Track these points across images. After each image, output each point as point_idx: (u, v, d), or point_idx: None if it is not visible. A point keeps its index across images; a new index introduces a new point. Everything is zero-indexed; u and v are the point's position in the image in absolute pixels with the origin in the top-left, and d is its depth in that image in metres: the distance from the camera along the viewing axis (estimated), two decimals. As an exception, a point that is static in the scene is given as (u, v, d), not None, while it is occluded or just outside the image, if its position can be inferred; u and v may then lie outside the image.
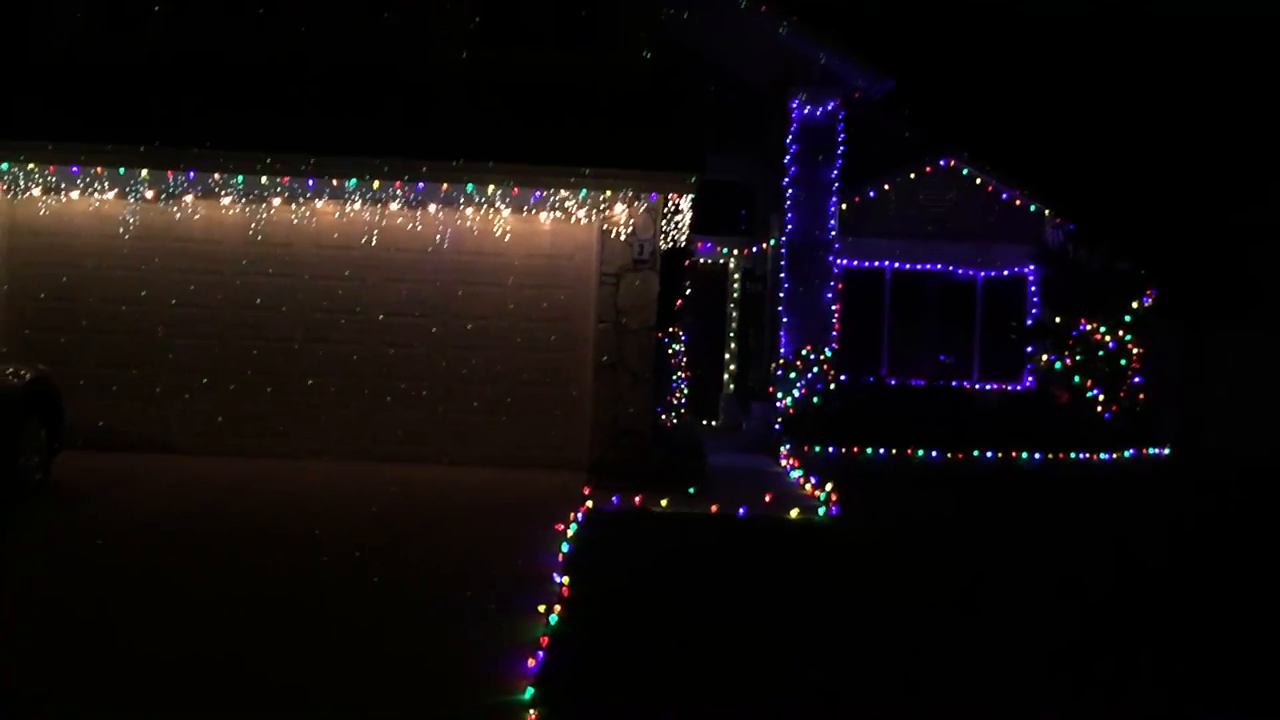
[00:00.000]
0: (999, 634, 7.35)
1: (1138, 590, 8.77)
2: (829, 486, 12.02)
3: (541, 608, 7.11)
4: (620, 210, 12.93)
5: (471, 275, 13.27)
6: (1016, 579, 8.98)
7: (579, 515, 10.16)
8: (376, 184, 12.60)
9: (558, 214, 13.06)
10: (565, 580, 7.79)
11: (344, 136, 12.61)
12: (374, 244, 13.13)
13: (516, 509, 10.64)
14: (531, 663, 6.22)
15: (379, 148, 12.47)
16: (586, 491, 11.25)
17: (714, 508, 11.22)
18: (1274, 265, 18.68)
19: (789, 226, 18.59)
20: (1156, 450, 17.77)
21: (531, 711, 5.55)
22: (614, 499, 11.12)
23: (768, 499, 11.82)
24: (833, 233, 18.68)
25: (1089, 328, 18.35)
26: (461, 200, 12.95)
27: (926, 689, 6.21)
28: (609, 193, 12.76)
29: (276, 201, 13.05)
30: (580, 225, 13.16)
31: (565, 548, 8.85)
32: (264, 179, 12.61)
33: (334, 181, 12.61)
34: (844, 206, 19.03)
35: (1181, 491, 14.76)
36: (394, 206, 13.06)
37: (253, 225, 13.09)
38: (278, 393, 13.12)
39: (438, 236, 13.15)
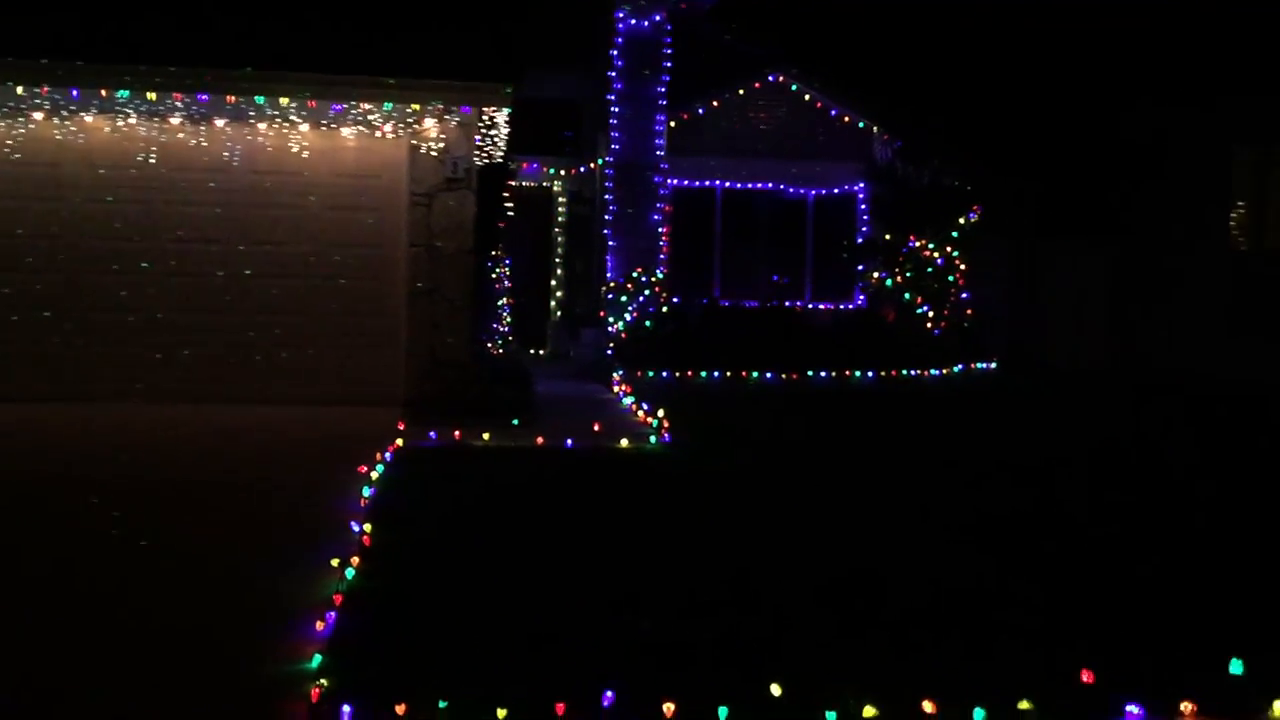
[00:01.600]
0: (838, 566, 6.90)
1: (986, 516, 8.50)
2: (661, 413, 11.47)
3: (336, 561, 6.31)
4: (431, 125, 11.95)
5: (269, 197, 12.13)
6: (856, 501, 8.58)
7: (387, 455, 9.32)
8: (152, 95, 11.25)
9: (362, 129, 12.01)
10: (367, 529, 6.99)
11: (113, 41, 11.19)
12: (155, 163, 11.83)
13: (322, 450, 9.74)
14: (321, 626, 5.45)
15: (153, 54, 11.12)
16: (400, 427, 10.41)
17: (539, 440, 10.53)
18: (1092, 182, 18.93)
19: (615, 145, 17.85)
20: (984, 364, 17.89)
21: (316, 684, 4.79)
22: (430, 434, 10.31)
23: (597, 428, 11.20)
24: (661, 151, 18.03)
25: (918, 244, 18.27)
26: (253, 114, 11.76)
27: (762, 639, 5.67)
28: (417, 106, 11.75)
29: (38, 116, 11.59)
30: (388, 141, 12.13)
31: (368, 492, 8.02)
32: (19, 89, 11.11)
33: (102, 93, 11.21)
34: (672, 124, 18.38)
35: (1005, 403, 14.78)
36: (176, 121, 11.76)
37: (9, 143, 11.60)
38: (53, 330, 11.77)
39: (227, 154, 11.94)
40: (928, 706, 4.71)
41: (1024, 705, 4.72)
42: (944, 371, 17.15)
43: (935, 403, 14.72)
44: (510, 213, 16.07)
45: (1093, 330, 18.99)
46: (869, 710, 4.71)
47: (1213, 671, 4.98)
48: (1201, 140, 18.25)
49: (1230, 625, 5.68)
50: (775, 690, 4.79)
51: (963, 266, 18.39)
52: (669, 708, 4.68)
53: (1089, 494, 9.01)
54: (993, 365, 17.98)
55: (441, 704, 4.66)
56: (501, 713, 4.65)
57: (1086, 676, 4.87)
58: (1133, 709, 4.69)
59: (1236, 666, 4.94)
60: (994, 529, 7.74)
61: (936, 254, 18.23)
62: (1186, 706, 4.71)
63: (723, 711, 4.69)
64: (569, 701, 4.71)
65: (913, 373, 16.83)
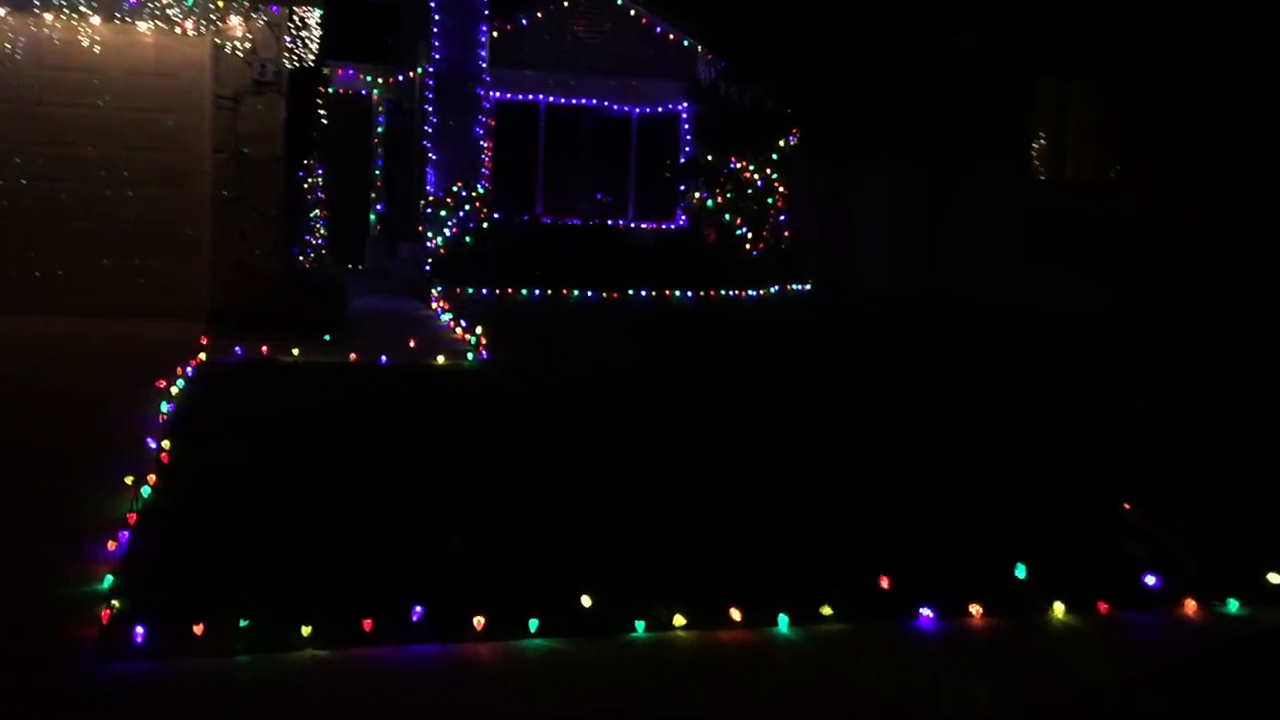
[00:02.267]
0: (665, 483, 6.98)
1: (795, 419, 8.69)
2: (479, 330, 11.31)
3: (130, 479, 6.00)
4: (236, 22, 11.29)
5: (56, 95, 11.26)
6: (673, 420, 8.67)
7: (188, 369, 8.91)
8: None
9: (161, 24, 11.25)
10: (165, 445, 6.67)
11: None
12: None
13: (117, 365, 9.23)
14: (113, 546, 5.19)
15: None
16: (203, 342, 9.94)
17: (352, 356, 10.24)
18: (906, 108, 19.40)
19: (436, 55, 17.31)
20: (800, 285, 18.30)
21: (107, 606, 4.57)
22: (236, 349, 9.90)
23: (413, 344, 10.96)
24: (483, 63, 17.58)
25: (739, 166, 18.43)
26: (38, 3, 10.86)
27: (576, 556, 5.69)
28: (221, 1, 11.07)
29: None
30: (190, 39, 11.41)
31: (167, 407, 7.66)
32: None
33: None
34: (495, 35, 17.92)
35: (813, 323, 15.12)
36: (-54, 7, 10.78)
37: None
38: None
39: (9, 46, 11.01)
40: (735, 614, 4.82)
41: (826, 610, 4.88)
42: (761, 292, 17.46)
43: (750, 323, 14.96)
44: (325, 121, 15.40)
45: (902, 254, 19.60)
46: (678, 619, 4.79)
47: (999, 577, 5.24)
48: (1009, 70, 18.89)
49: (1010, 535, 5.98)
50: (586, 602, 4.82)
51: (782, 189, 18.67)
52: (479, 621, 4.65)
53: (889, 411, 9.32)
54: (808, 287, 18.40)
55: (242, 623, 4.51)
56: (306, 630, 4.54)
57: (884, 583, 5.07)
58: (926, 611, 4.91)
59: (1020, 571, 5.23)
60: (800, 446, 7.95)
61: (756, 176, 18.45)
62: (975, 608, 4.96)
63: (533, 623, 4.69)
64: (376, 617, 4.63)
65: (731, 293, 17.08)
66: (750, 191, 18.40)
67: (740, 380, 10.38)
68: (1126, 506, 5.84)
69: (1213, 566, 5.33)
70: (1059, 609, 5.02)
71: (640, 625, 4.75)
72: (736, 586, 5.03)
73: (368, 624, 4.61)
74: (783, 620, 4.81)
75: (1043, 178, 20.37)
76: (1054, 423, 8.78)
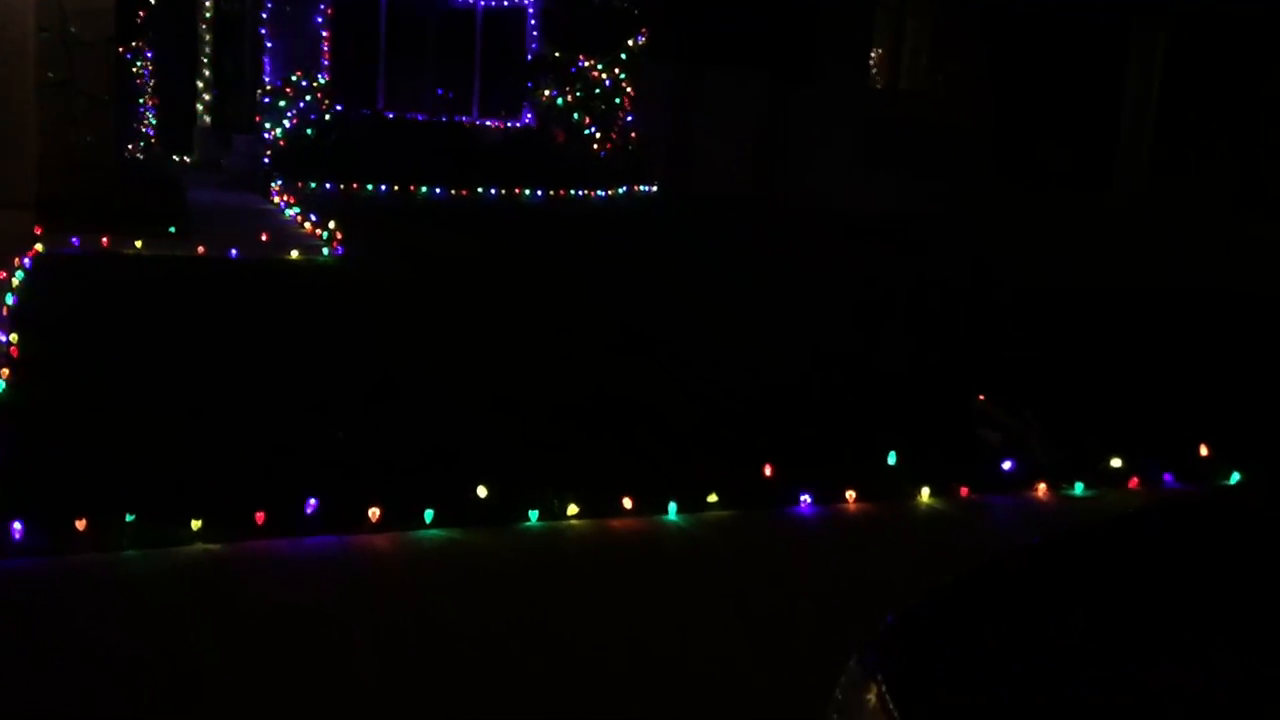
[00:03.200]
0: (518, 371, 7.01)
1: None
2: (331, 225, 11.01)
3: (-17, 374, 5.71)
4: (59, -112, 10.48)
5: None
6: (530, 314, 8.68)
7: (26, 261, 8.44)
8: None
9: (-27, -115, 10.36)
10: (13, 339, 6.34)
11: None
12: None
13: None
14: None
15: None
16: (38, 232, 9.40)
17: (200, 249, 9.85)
18: (750, 12, 19.47)
19: (271, -66, 16.44)
20: (646, 187, 18.36)
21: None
22: (73, 241, 9.40)
23: (264, 238, 10.61)
24: (323, -54, 16.79)
25: (587, 64, 18.24)
26: None
27: (461, 449, 5.71)
28: None
29: None
30: (6, -97, 10.55)
31: (11, 300, 7.26)
32: None
33: None
34: (334, -84, 17.11)
35: (657, 224, 15.22)
36: None
37: None
38: None
39: None
40: (626, 503, 4.95)
41: (712, 498, 5.06)
42: (609, 193, 17.46)
43: (596, 224, 14.93)
44: (151, 1, 14.52)
45: (745, 159, 19.85)
46: (572, 508, 4.90)
47: (872, 464, 5.51)
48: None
49: (879, 427, 6.28)
50: (481, 492, 4.87)
51: (630, 90, 18.59)
52: (374, 513, 4.66)
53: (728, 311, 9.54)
54: (654, 189, 18.48)
55: (129, 518, 4.40)
56: (196, 523, 4.46)
57: (768, 471, 5.28)
58: (805, 497, 5.15)
59: (892, 458, 5.52)
60: (661, 340, 8.09)
61: (605, 75, 18.29)
62: (850, 493, 5.23)
63: (429, 514, 4.72)
64: (269, 510, 4.58)
65: (580, 194, 17.03)
66: (599, 91, 18.25)
67: (579, 276, 10.42)
68: (980, 398, 6.19)
69: (1060, 452, 5.72)
70: (925, 493, 5.33)
71: (534, 515, 4.83)
72: (627, 476, 5.15)
73: (260, 517, 4.56)
74: (672, 508, 4.97)
75: (880, 87, 20.88)
76: (896, 322, 9.16)
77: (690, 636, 3.94)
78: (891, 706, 2.08)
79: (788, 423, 6.19)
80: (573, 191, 16.96)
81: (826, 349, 8.03)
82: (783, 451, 5.46)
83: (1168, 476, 5.71)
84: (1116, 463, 5.65)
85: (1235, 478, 5.76)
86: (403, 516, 4.69)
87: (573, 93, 18.13)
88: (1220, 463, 5.81)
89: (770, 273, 11.32)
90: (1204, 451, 5.87)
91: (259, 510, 4.56)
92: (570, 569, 4.50)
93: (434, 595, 4.21)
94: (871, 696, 2.13)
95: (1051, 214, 16.88)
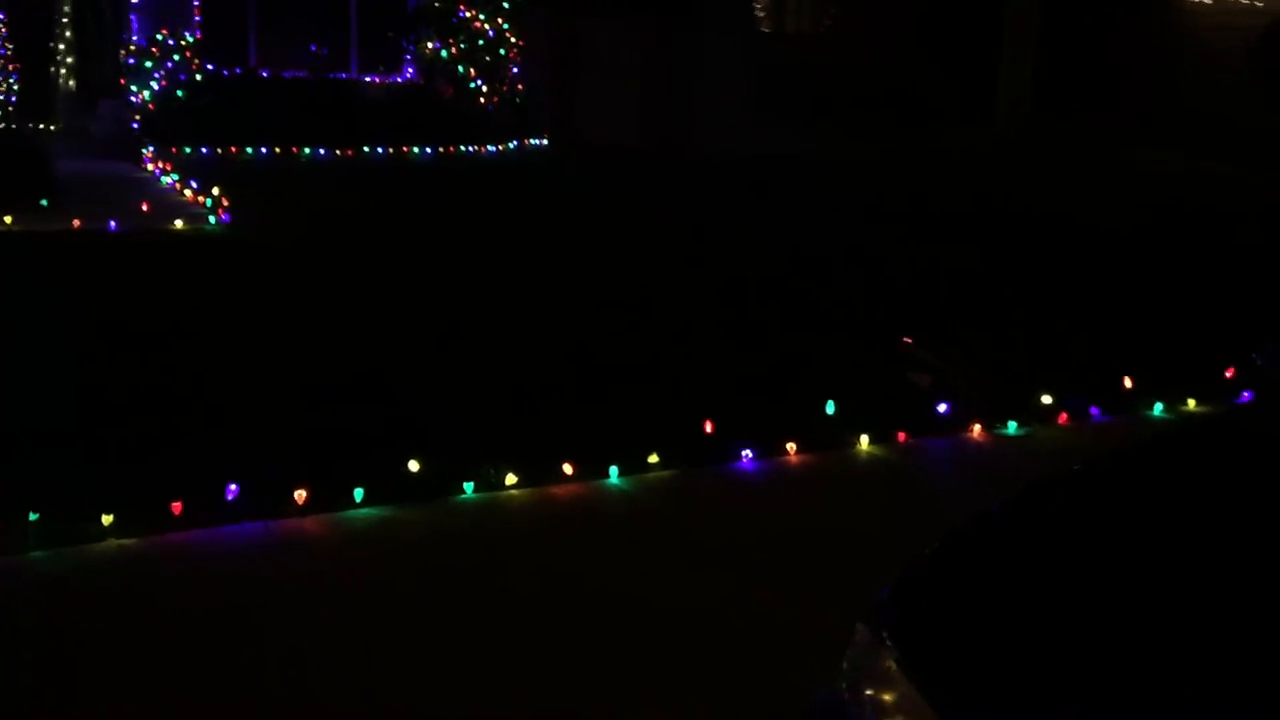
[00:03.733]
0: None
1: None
2: (215, 191, 10.48)
3: None
4: None
5: None
6: (435, 273, 8.37)
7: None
8: None
9: None
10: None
11: None
12: None
13: None
14: None
15: None
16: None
17: (76, 222, 9.28)
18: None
19: (125, -116, 15.52)
20: (537, 140, 18.00)
21: None
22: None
23: (145, 208, 10.06)
24: (181, -104, 15.92)
25: (469, 15, 17.72)
26: None
27: (386, 420, 5.44)
28: None
29: None
30: None
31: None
32: None
33: None
34: None
35: (559, 175, 14.93)
36: None
37: None
38: None
39: None
40: (567, 469, 4.77)
41: (653, 459, 4.91)
42: (500, 148, 17.06)
43: (486, 180, 14.54)
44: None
45: (634, 109, 19.60)
46: (510, 478, 4.70)
47: (811, 415, 5.42)
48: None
49: (816, 376, 6.19)
50: (414, 466, 4.64)
51: (515, 40, 18.14)
52: (300, 494, 4.40)
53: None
54: (545, 142, 18.14)
55: (32, 516, 4.07)
56: (107, 518, 4.15)
57: (708, 427, 5.15)
58: (747, 452, 5.04)
59: (830, 407, 5.43)
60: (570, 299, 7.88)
61: (488, 26, 17.80)
62: (790, 446, 5.13)
63: (358, 492, 4.48)
64: (185, 499, 4.29)
65: (469, 149, 16.59)
66: (482, 43, 17.76)
67: (490, 235, 10.13)
68: (905, 340, 6.15)
69: (990, 392, 5.71)
70: (864, 441, 5.27)
71: (469, 487, 4.63)
72: (565, 441, 4.96)
73: (177, 507, 4.27)
74: (614, 471, 4.81)
75: (767, 30, 20.77)
76: (806, 269, 9.09)
77: (640, 592, 3.79)
78: (911, 674, 1.98)
79: (718, 377, 6.06)
80: (462, 147, 16.51)
81: (746, 300, 7.92)
82: (721, 407, 5.33)
83: (1094, 410, 5.75)
84: (1047, 399, 5.67)
85: (1158, 408, 5.84)
86: (331, 497, 4.45)
87: (456, 45, 17.61)
88: (1143, 394, 5.88)
89: (667, 222, 11.15)
90: (1127, 384, 5.92)
91: (175, 500, 4.27)
92: (508, 539, 4.30)
93: (367, 579, 3.98)
94: (891, 664, 2.02)
95: (941, 151, 17.06)
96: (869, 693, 2.05)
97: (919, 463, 5.21)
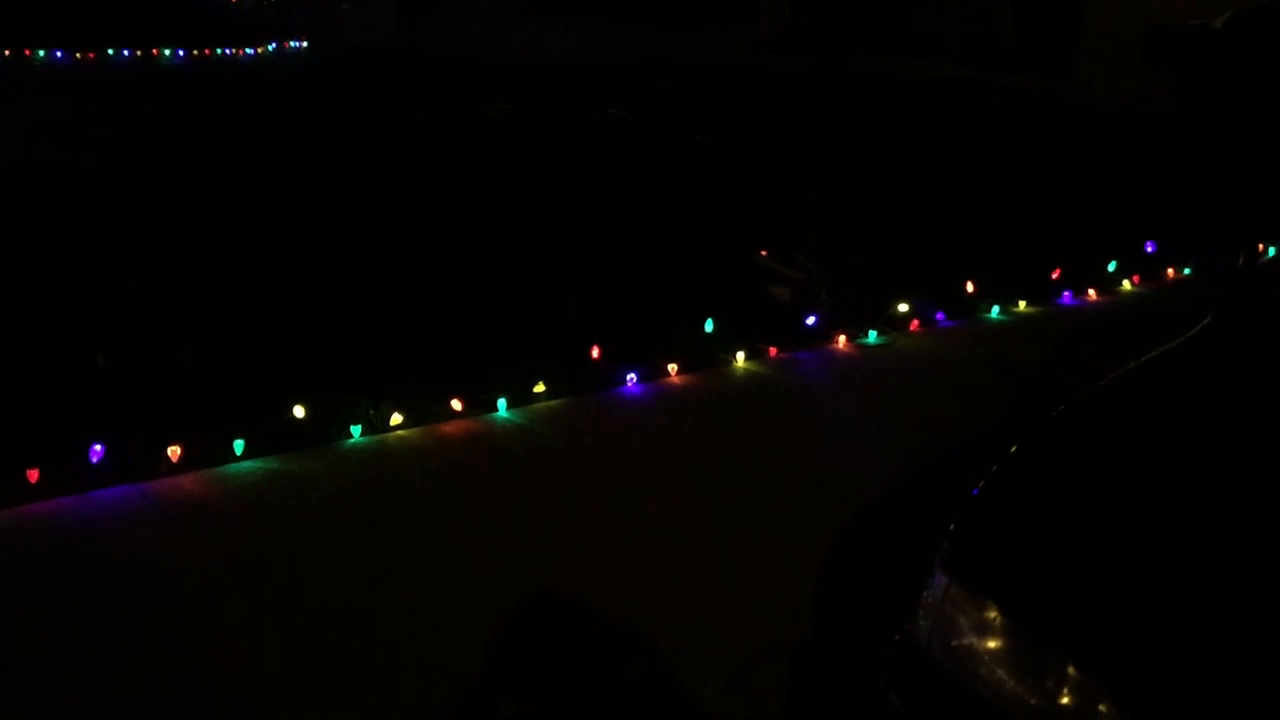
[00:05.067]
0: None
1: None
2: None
3: None
4: None
5: None
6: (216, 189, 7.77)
7: None
8: None
9: None
10: None
11: None
12: None
13: None
14: None
15: None
16: None
17: None
18: None
19: None
20: (297, 42, 16.95)
21: None
22: None
23: None
24: None
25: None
26: None
27: (243, 364, 5.01)
28: None
29: None
30: None
31: None
32: None
33: None
34: None
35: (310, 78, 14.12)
36: None
37: None
38: None
39: None
40: (456, 404, 4.55)
41: (539, 388, 4.75)
42: (258, 50, 15.95)
43: (243, 84, 13.56)
44: None
45: (388, 8, 18.76)
46: (395, 418, 4.43)
47: (689, 337, 5.37)
48: None
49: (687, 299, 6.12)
50: (299, 412, 4.30)
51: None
52: (174, 451, 4.00)
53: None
54: (304, 44, 17.10)
55: None
56: (-46, 495, 3.65)
57: (595, 353, 5.01)
58: (631, 376, 4.94)
59: (709, 325, 5.39)
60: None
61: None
62: (672, 367, 5.08)
63: (239, 444, 4.12)
64: (43, 465, 3.82)
65: (226, 52, 15.42)
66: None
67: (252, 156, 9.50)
68: (762, 254, 6.15)
69: (848, 302, 5.81)
70: (740, 358, 5.27)
71: (357, 430, 4.34)
72: (436, 372, 4.72)
73: (33, 475, 3.80)
74: (502, 404, 4.62)
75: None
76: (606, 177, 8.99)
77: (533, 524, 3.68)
78: (1015, 624, 1.96)
79: (580, 302, 5.91)
80: (219, 50, 15.32)
81: (580, 216, 7.75)
82: (598, 333, 5.20)
83: (940, 315, 5.96)
84: (903, 308, 5.83)
85: (995, 311, 6.11)
86: (209, 450, 4.07)
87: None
88: (982, 298, 6.13)
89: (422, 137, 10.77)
90: (970, 289, 6.16)
91: (30, 466, 3.80)
92: (396, 480, 4.06)
93: (248, 529, 3.68)
94: (993, 615, 2.00)
95: (706, 56, 17.20)
96: (966, 643, 2.02)
97: (792, 376, 5.25)
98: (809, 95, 13.86)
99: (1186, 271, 6.93)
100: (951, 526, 2.24)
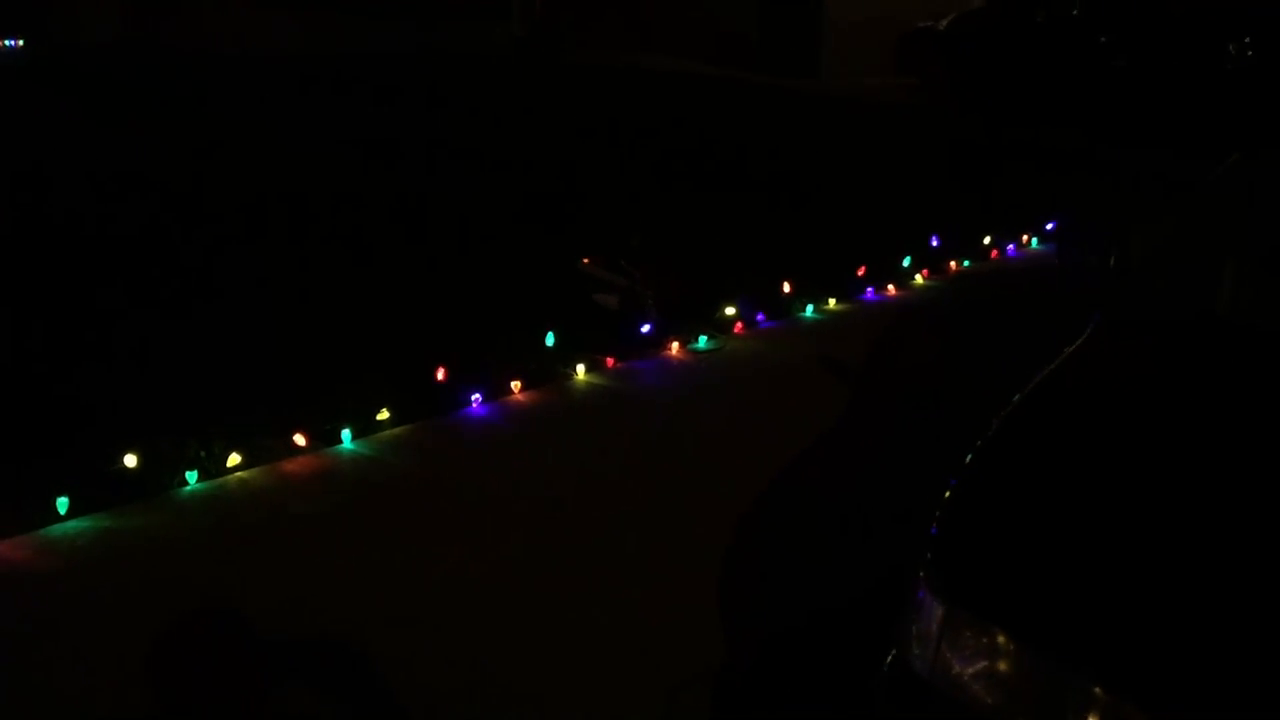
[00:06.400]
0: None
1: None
2: None
3: None
4: None
5: None
6: None
7: None
8: None
9: None
10: None
11: None
12: None
13: None
14: None
15: None
16: None
17: None
18: None
19: None
20: (12, 41, 15.48)
21: None
22: None
23: None
24: None
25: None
26: None
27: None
28: None
29: None
30: None
31: None
32: None
33: None
34: None
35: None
36: None
37: None
38: None
39: None
40: (299, 439, 4.23)
41: (383, 415, 4.49)
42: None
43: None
44: None
45: (107, 4, 17.41)
46: (233, 459, 4.07)
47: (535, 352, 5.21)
48: None
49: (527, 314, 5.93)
50: (130, 461, 3.87)
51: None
52: (-15, 517, 3.52)
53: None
54: (19, 43, 15.64)
55: None
56: None
57: (441, 374, 4.78)
58: (476, 397, 4.75)
59: (550, 339, 5.25)
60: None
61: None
62: (515, 384, 4.92)
63: (62, 503, 3.67)
64: None
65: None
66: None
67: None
68: (585, 261, 6.04)
69: (671, 306, 5.78)
70: (581, 371, 5.16)
71: (192, 476, 3.96)
72: (292, 408, 4.39)
73: None
74: (346, 435, 4.33)
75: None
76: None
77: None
78: (1025, 650, 1.95)
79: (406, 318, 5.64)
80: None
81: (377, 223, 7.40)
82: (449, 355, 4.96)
83: (760, 316, 6.03)
84: (730, 310, 5.86)
85: (810, 310, 6.24)
86: (28, 513, 3.61)
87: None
88: (797, 297, 6.25)
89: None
90: (786, 289, 6.27)
91: None
92: (234, 526, 3.74)
93: (75, 596, 3.30)
94: (1001, 639, 1.98)
95: (459, 49, 16.94)
96: (973, 671, 1.99)
97: (633, 384, 5.19)
98: (565, 91, 13.84)
99: (966, 264, 7.31)
100: (933, 531, 2.18)
